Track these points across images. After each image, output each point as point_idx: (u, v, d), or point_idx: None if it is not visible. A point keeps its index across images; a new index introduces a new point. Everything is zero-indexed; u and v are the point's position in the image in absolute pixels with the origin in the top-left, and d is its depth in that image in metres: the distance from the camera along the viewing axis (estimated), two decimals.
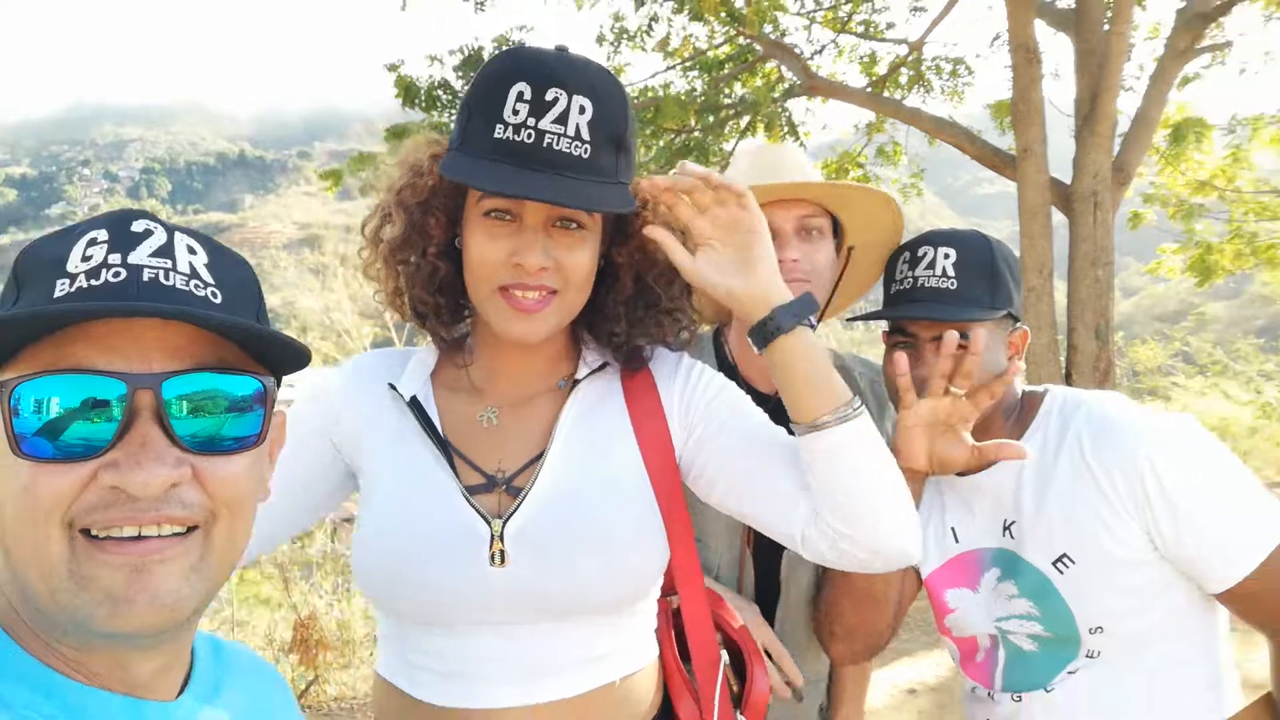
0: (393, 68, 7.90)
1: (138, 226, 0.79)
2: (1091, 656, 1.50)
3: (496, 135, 1.21)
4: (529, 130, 1.20)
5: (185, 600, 0.76)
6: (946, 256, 1.60)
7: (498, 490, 1.32)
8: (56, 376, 0.73)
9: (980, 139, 7.11)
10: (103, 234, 0.78)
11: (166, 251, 0.78)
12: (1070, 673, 1.52)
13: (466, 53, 7.80)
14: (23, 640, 0.77)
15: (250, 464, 0.82)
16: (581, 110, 1.21)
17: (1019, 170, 6.36)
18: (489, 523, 1.28)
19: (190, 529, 0.77)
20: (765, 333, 1.25)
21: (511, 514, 1.28)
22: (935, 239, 1.64)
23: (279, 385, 0.85)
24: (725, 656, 1.46)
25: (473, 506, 1.29)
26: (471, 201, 1.29)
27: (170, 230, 0.80)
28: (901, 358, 1.50)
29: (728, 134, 8.36)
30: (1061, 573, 1.49)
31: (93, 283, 0.75)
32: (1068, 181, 6.52)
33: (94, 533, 0.73)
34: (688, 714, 1.42)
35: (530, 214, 1.25)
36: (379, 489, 1.34)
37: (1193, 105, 9.50)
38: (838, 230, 1.83)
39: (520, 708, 1.28)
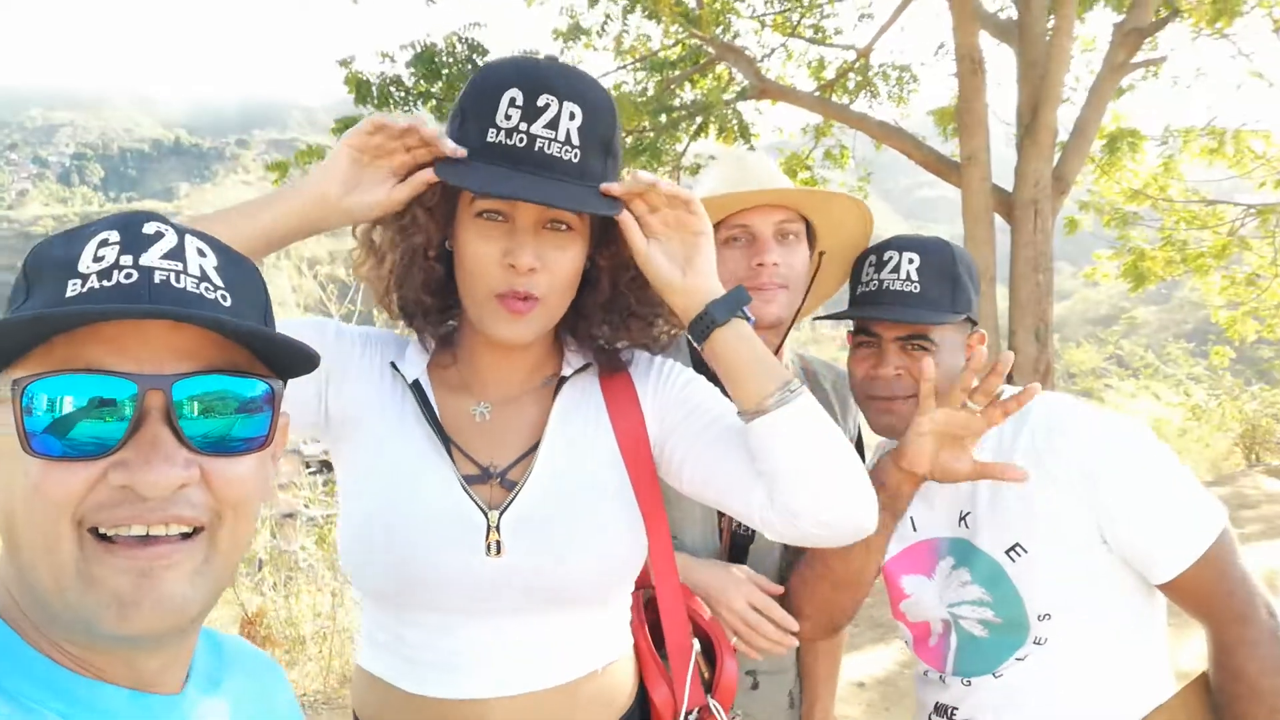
0: (344, 63, 7.82)
1: (149, 229, 0.79)
2: (1039, 643, 1.56)
3: (489, 139, 1.25)
4: (521, 135, 1.24)
5: (191, 604, 0.77)
6: (911, 261, 1.66)
7: (491, 482, 1.35)
8: (69, 376, 0.73)
9: (926, 145, 7.29)
10: (114, 235, 0.78)
11: (177, 254, 0.79)
12: (1019, 659, 1.59)
13: (418, 49, 7.76)
14: (27, 636, 0.77)
15: (257, 466, 0.83)
16: (572, 116, 1.25)
17: (963, 177, 6.54)
18: (486, 513, 1.31)
19: (196, 530, 0.78)
20: (703, 326, 1.31)
21: (508, 505, 1.32)
22: (900, 244, 1.70)
23: (284, 388, 0.86)
24: (697, 645, 1.51)
25: (469, 496, 1.32)
26: (464, 204, 1.31)
27: (181, 233, 0.81)
28: (929, 362, 1.54)
29: (679, 135, 8.43)
30: (1014, 561, 1.56)
31: (105, 284, 0.76)
32: (1008, 188, 6.73)
33: (102, 531, 0.74)
34: (662, 699, 1.47)
35: (522, 215, 1.28)
36: (376, 468, 1.36)
37: (1128, 116, 9.83)
38: (810, 235, 1.90)
39: (504, 698, 1.31)
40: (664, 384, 1.45)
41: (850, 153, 10.23)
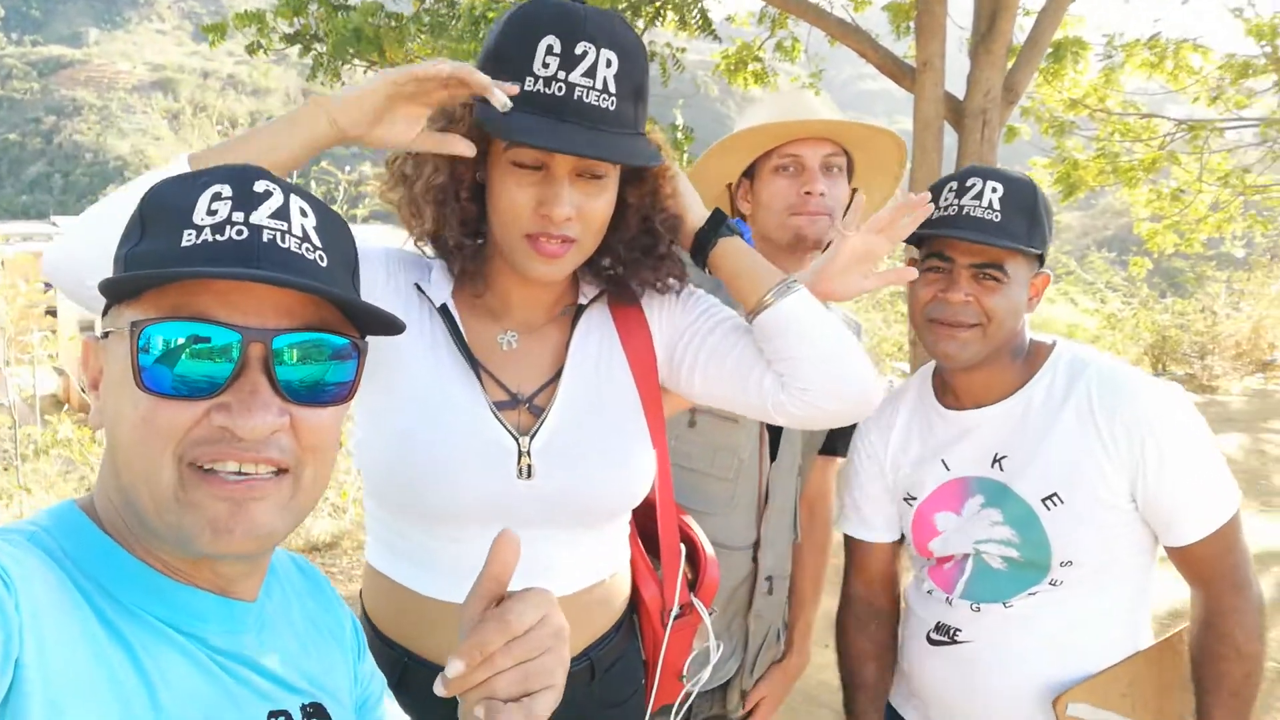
0: None
1: (259, 187, 0.86)
2: (1054, 584, 1.68)
3: (527, 88, 1.26)
4: (559, 83, 1.25)
5: (277, 532, 0.87)
6: (994, 190, 1.65)
7: (520, 408, 1.42)
8: (184, 323, 0.81)
9: (882, 48, 7.25)
10: (227, 189, 0.85)
11: (283, 214, 0.86)
12: (1031, 594, 1.70)
13: None
14: (128, 546, 0.86)
15: (336, 416, 0.91)
16: (609, 64, 1.27)
17: (917, 83, 6.56)
18: (517, 439, 1.38)
19: (282, 471, 0.86)
20: (715, 234, 1.47)
21: (537, 430, 1.39)
22: (984, 173, 1.69)
23: (368, 346, 0.93)
24: (684, 549, 1.64)
25: (500, 422, 1.38)
26: (498, 149, 1.33)
27: (286, 191, 0.88)
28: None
29: (644, 25, 8.24)
30: (1049, 510, 1.65)
31: (218, 238, 0.83)
32: (958, 95, 6.78)
33: (200, 464, 0.82)
34: (651, 597, 1.60)
35: (558, 165, 1.30)
36: (406, 392, 1.40)
37: (1078, 21, 9.88)
38: (849, 172, 2.01)
39: None
40: (667, 301, 1.53)
41: (802, 46, 10.12)
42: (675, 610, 1.60)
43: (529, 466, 1.38)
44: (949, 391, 1.81)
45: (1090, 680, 1.66)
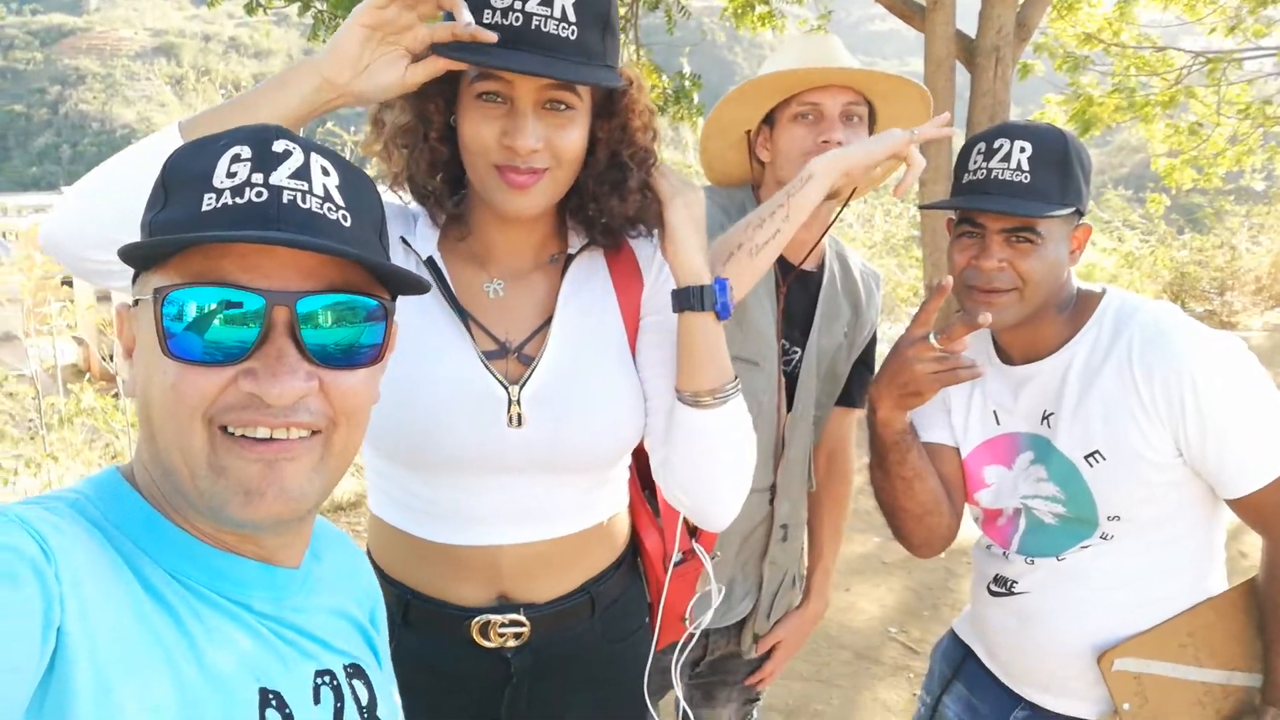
0: None
1: (278, 146, 0.84)
2: (1105, 538, 1.67)
3: (484, 20, 1.23)
4: (516, 13, 1.23)
5: (309, 495, 0.86)
6: (1022, 150, 1.61)
7: (509, 357, 1.42)
8: (205, 288, 0.80)
9: None
10: (246, 150, 0.84)
11: (304, 173, 0.84)
12: (1083, 547, 1.69)
13: None
14: (167, 514, 0.86)
15: (368, 378, 0.90)
16: None
17: (928, 22, 6.45)
18: (506, 388, 1.39)
19: (314, 433, 0.86)
20: (680, 302, 1.39)
21: (526, 379, 1.40)
22: (1012, 132, 1.65)
23: (395, 306, 0.92)
24: None
25: (490, 371, 1.39)
26: (465, 84, 1.32)
27: (307, 149, 0.86)
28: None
29: None
30: (1091, 466, 1.63)
31: (237, 200, 0.81)
32: (969, 34, 6.67)
33: (230, 430, 0.82)
34: (653, 544, 1.63)
35: (522, 96, 1.29)
36: (396, 346, 1.42)
37: None
38: (871, 121, 1.97)
39: (517, 544, 1.44)
40: (663, 279, 1.51)
41: None
42: (676, 557, 1.62)
43: (519, 415, 1.39)
44: (1000, 345, 1.79)
45: (1140, 636, 1.65)
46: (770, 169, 2.00)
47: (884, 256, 14.96)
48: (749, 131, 2.04)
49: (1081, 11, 10.07)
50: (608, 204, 1.43)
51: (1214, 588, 1.71)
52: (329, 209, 0.85)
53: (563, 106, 1.31)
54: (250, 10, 8.09)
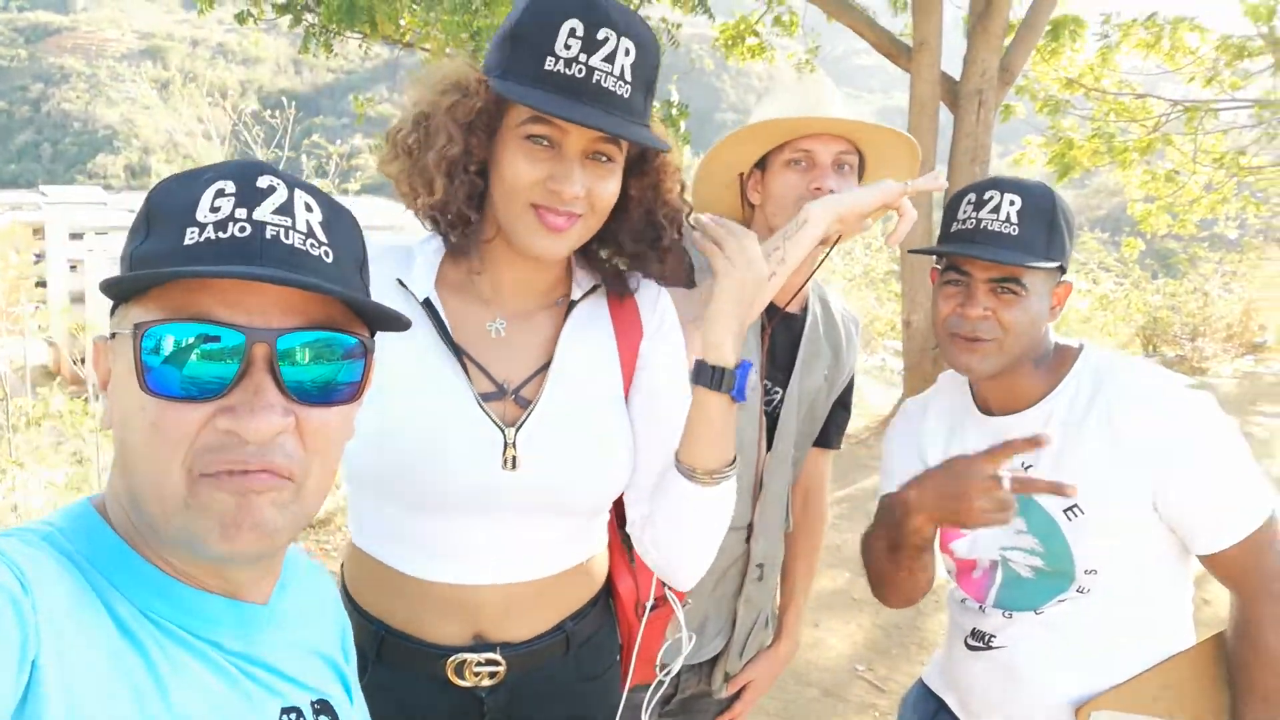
0: None
1: (262, 182, 0.84)
2: (1081, 591, 1.67)
3: (547, 67, 1.26)
4: (580, 65, 1.26)
5: (283, 530, 0.85)
6: (1012, 203, 1.64)
7: (507, 399, 1.41)
8: (185, 324, 0.80)
9: (879, 26, 7.23)
10: (230, 185, 0.83)
11: (287, 209, 0.84)
12: (1060, 600, 1.69)
13: None
14: (139, 548, 0.85)
15: (345, 413, 0.90)
16: (627, 52, 1.28)
17: (913, 62, 6.54)
18: (503, 430, 1.38)
19: (286, 478, 0.84)
20: (700, 378, 1.40)
21: (523, 422, 1.39)
22: (1002, 185, 1.68)
23: (375, 344, 0.92)
24: None
25: (486, 414, 1.38)
26: (511, 123, 1.33)
27: (291, 186, 0.86)
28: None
29: (636, 1, 8.18)
30: (1070, 520, 1.64)
31: (220, 235, 0.81)
32: (954, 74, 6.77)
33: (206, 473, 0.81)
34: (626, 589, 1.62)
35: (571, 144, 1.31)
36: (391, 385, 1.38)
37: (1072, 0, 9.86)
38: (860, 170, 2.00)
39: (496, 585, 1.43)
40: (661, 332, 1.52)
41: (800, 21, 10.09)
42: (650, 603, 1.62)
43: (514, 458, 1.38)
44: (978, 395, 1.80)
45: (1117, 688, 1.66)
46: (760, 211, 2.02)
47: (863, 289, 15.08)
48: (742, 174, 2.06)
49: (1064, 57, 10.24)
50: (645, 262, 1.47)
51: (1184, 638, 1.73)
52: (311, 245, 0.85)
53: (605, 158, 1.34)
54: (242, 20, 8.10)
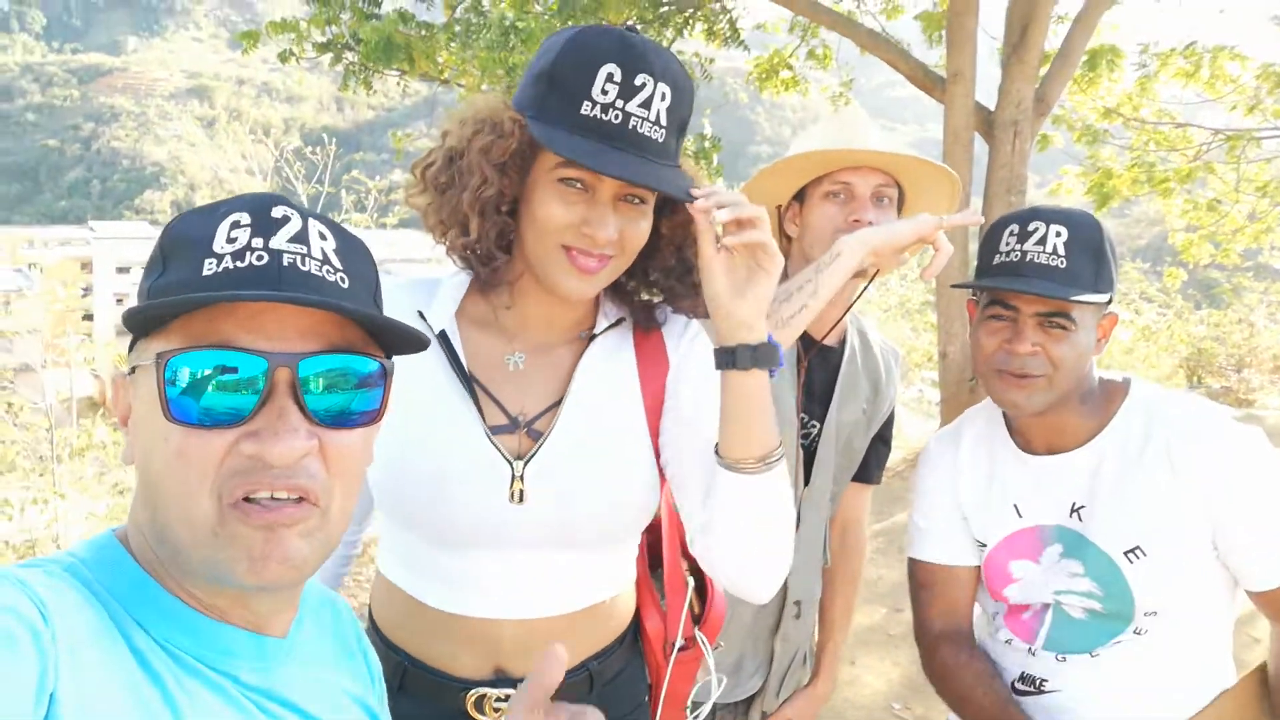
0: None
1: (277, 212, 0.86)
2: (1138, 633, 1.63)
3: (583, 112, 1.26)
4: (616, 111, 1.26)
5: (308, 561, 0.86)
6: (1058, 235, 1.59)
7: (519, 432, 1.41)
8: (207, 351, 0.81)
9: (912, 58, 7.22)
10: (245, 217, 0.85)
11: (302, 237, 0.86)
12: (1116, 643, 1.65)
13: None
14: (161, 580, 0.85)
15: (366, 436, 0.91)
16: (663, 97, 1.28)
17: (947, 94, 6.51)
18: (511, 463, 1.38)
19: (313, 503, 0.85)
20: (723, 360, 1.31)
21: (532, 456, 1.39)
22: (1046, 215, 1.62)
23: (394, 366, 0.93)
24: (691, 582, 1.62)
25: (495, 446, 1.38)
26: (545, 165, 1.33)
27: (305, 216, 0.88)
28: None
29: (670, 36, 8.27)
30: (1132, 563, 1.59)
31: (238, 264, 0.82)
32: (989, 105, 6.73)
33: (236, 500, 0.81)
34: (654, 629, 1.59)
35: (605, 189, 1.31)
36: (403, 417, 1.37)
37: (1114, 28, 9.79)
38: (901, 201, 2.00)
39: (516, 620, 1.42)
40: (690, 355, 1.50)
41: (833, 54, 10.12)
42: (679, 643, 1.59)
43: (521, 491, 1.38)
44: (1018, 433, 1.75)
45: None
46: (797, 244, 2.01)
47: (898, 320, 14.97)
48: (779, 206, 2.05)
49: (1101, 86, 10.15)
50: (677, 298, 1.47)
51: (1228, 675, 1.70)
52: (328, 271, 0.86)
53: (638, 200, 1.34)
54: (284, 59, 8.27)
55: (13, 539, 8.22)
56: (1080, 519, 1.66)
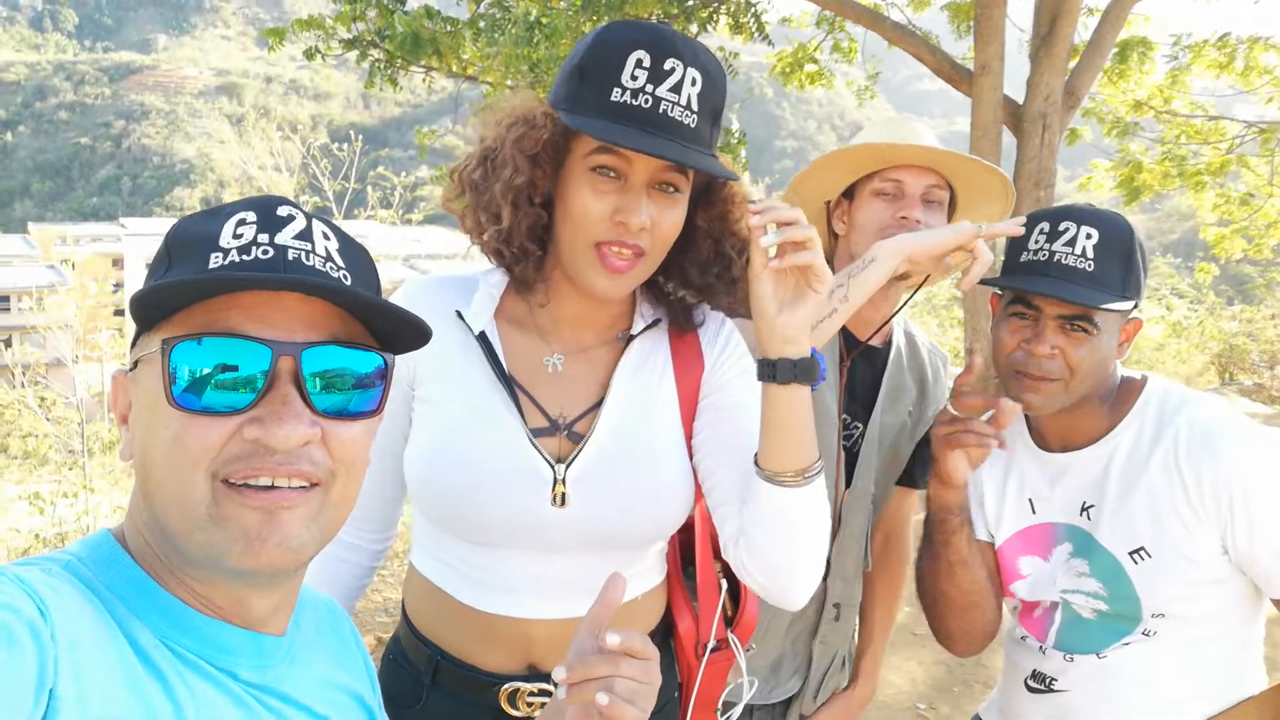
0: None
1: (282, 211, 0.87)
2: (1147, 635, 1.61)
3: (614, 99, 1.27)
4: (646, 96, 1.26)
5: (306, 546, 0.86)
6: (1089, 236, 1.56)
7: (559, 435, 1.41)
8: (211, 339, 0.82)
9: (940, 50, 7.16)
10: (251, 215, 0.86)
11: (306, 236, 0.87)
12: (1124, 644, 1.63)
13: None
14: (160, 579, 0.86)
15: (367, 428, 0.92)
16: (694, 82, 1.28)
17: (975, 86, 6.46)
18: (553, 466, 1.37)
19: (313, 485, 0.86)
20: (765, 373, 1.30)
21: (573, 459, 1.38)
22: (1078, 216, 1.59)
23: (395, 361, 0.94)
24: (724, 583, 1.62)
25: (537, 449, 1.38)
26: (577, 156, 1.33)
27: (309, 217, 0.89)
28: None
29: (694, 30, 8.23)
30: (1136, 564, 1.58)
31: (244, 258, 0.84)
32: (1017, 98, 6.67)
33: (233, 480, 0.82)
34: (686, 629, 1.58)
35: (636, 174, 1.30)
36: (444, 419, 1.41)
37: (1145, 19, 9.65)
38: (950, 209, 1.96)
39: (550, 619, 1.42)
40: (725, 357, 1.50)
41: (859, 47, 10.05)
42: (710, 644, 1.58)
43: (563, 495, 1.38)
44: (1035, 430, 1.74)
45: None
46: (844, 241, 1.98)
47: (926, 316, 14.87)
48: (828, 202, 2.03)
49: (1132, 79, 10.02)
50: (715, 295, 1.45)
51: (1254, 683, 1.66)
52: (331, 268, 0.88)
53: (671, 189, 1.33)
54: (310, 56, 8.32)
55: (44, 532, 8.34)
56: (1089, 518, 1.65)
